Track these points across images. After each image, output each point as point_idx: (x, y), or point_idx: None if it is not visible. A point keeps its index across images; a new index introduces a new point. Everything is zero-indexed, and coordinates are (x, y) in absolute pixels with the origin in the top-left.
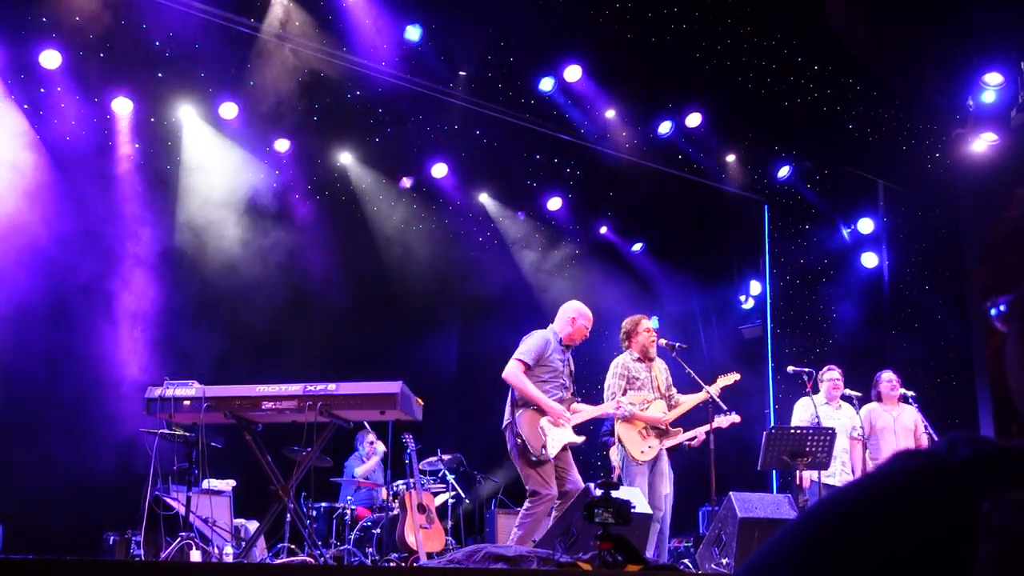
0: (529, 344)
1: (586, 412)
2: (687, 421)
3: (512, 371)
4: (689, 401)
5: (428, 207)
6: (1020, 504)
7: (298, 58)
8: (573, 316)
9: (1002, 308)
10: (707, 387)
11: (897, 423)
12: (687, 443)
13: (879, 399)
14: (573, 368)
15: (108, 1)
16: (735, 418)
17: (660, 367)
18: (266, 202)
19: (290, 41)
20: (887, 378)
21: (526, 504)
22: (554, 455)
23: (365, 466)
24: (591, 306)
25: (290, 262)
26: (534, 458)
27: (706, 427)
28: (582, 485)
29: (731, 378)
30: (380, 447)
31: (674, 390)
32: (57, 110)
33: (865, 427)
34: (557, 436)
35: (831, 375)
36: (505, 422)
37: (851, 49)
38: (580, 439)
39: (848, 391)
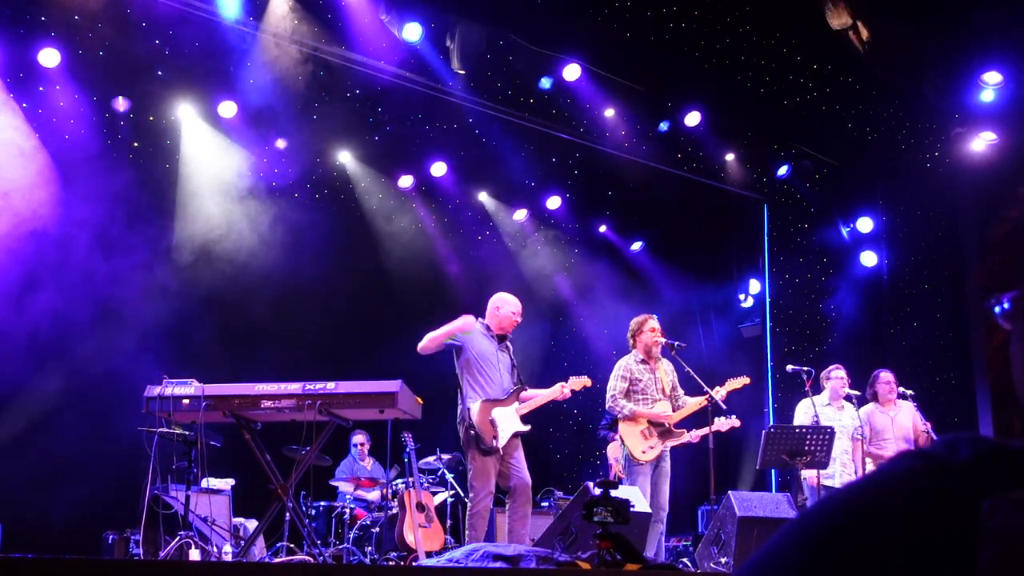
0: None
1: (538, 398)
2: (688, 421)
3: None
4: (693, 404)
5: (427, 205)
6: (1020, 505)
7: (297, 56)
8: (497, 305)
9: (1006, 306)
10: (712, 390)
11: (895, 423)
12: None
13: (875, 399)
14: (514, 359)
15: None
16: (735, 422)
17: (666, 368)
18: (265, 200)
19: (289, 39)
20: (885, 378)
21: (469, 502)
22: (503, 444)
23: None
24: (590, 305)
25: (289, 260)
26: (484, 447)
27: (705, 429)
28: (529, 480)
29: (740, 382)
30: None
31: (680, 391)
32: (56, 109)
33: (865, 428)
34: (506, 426)
35: (837, 374)
36: (459, 418)
37: (851, 49)
38: (526, 428)
39: (848, 391)
